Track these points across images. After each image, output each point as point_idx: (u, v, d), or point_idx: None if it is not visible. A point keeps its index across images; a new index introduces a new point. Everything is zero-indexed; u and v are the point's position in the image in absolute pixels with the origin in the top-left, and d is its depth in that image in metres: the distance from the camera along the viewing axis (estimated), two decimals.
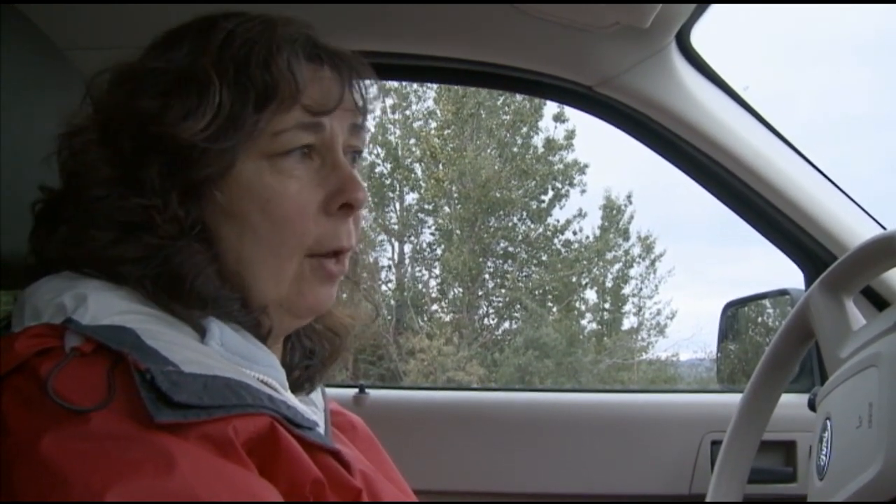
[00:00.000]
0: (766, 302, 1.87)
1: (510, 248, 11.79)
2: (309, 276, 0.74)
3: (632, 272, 11.84)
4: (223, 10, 0.75)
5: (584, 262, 11.73)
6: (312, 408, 0.80)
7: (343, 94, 0.74)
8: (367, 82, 0.78)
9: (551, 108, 11.51)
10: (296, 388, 0.81)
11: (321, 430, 0.76)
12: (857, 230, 1.47)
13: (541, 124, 11.65)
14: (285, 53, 0.71)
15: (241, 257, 0.71)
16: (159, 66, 0.71)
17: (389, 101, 11.78)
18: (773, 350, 1.12)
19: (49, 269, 0.68)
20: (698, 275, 16.55)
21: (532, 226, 11.77)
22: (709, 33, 1.45)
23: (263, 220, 0.70)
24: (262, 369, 0.70)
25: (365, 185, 0.76)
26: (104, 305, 0.63)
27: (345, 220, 0.74)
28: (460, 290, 11.53)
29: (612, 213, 11.80)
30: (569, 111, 10.99)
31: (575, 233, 11.82)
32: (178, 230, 0.68)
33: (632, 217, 11.79)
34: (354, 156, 0.79)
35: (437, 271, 11.84)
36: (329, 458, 0.66)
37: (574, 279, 11.72)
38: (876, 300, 1.47)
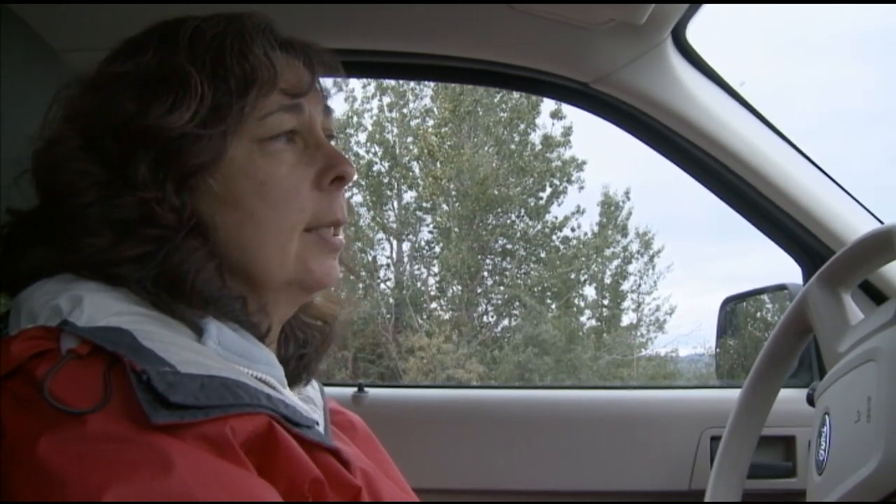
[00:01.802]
0: (765, 297, 1.87)
1: (508, 246, 11.77)
2: (313, 249, 0.76)
3: (630, 268, 11.83)
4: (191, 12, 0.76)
5: (583, 259, 11.71)
6: (312, 406, 0.81)
7: (314, 78, 0.78)
8: (329, 62, 0.81)
9: (548, 104, 11.50)
10: (293, 380, 0.82)
11: (321, 428, 0.76)
12: (854, 225, 1.47)
13: (538, 121, 11.64)
14: (259, 42, 0.74)
15: (241, 244, 0.72)
16: (130, 70, 0.72)
17: (387, 100, 11.77)
18: (771, 345, 1.13)
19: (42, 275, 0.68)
20: (697, 271, 16.55)
21: (530, 223, 11.75)
22: (705, 29, 1.45)
23: (259, 202, 0.72)
24: (261, 367, 0.70)
25: (355, 168, 0.79)
26: (100, 307, 0.63)
27: (337, 193, 0.77)
28: (459, 287, 11.52)
29: (611, 209, 11.78)
30: (566, 108, 10.99)
31: (573, 229, 11.81)
32: (178, 220, 0.69)
33: (630, 213, 11.79)
34: (329, 138, 0.81)
35: (435, 269, 11.82)
36: (328, 457, 0.65)
37: (573, 276, 11.70)
38: (874, 294, 1.47)
